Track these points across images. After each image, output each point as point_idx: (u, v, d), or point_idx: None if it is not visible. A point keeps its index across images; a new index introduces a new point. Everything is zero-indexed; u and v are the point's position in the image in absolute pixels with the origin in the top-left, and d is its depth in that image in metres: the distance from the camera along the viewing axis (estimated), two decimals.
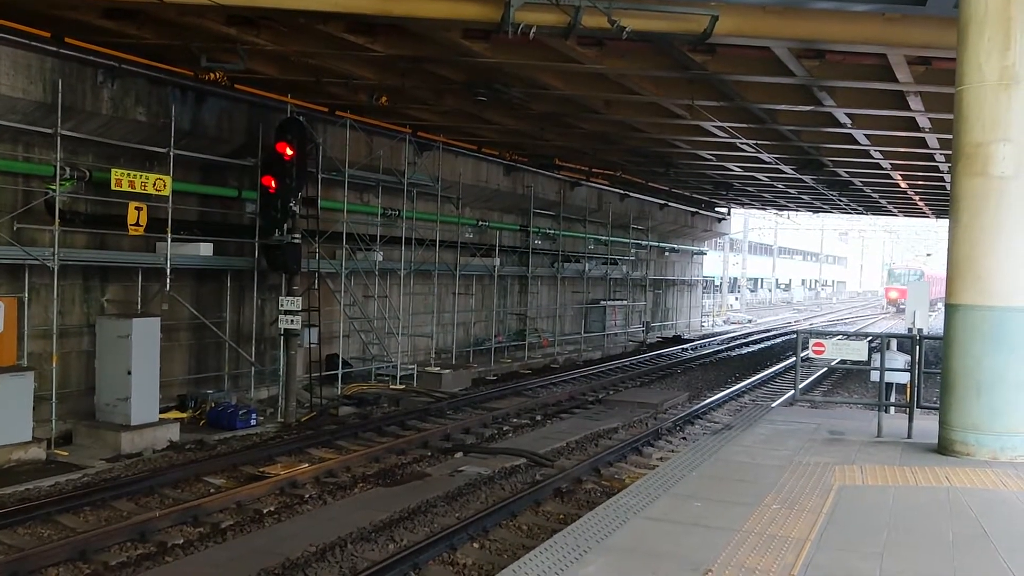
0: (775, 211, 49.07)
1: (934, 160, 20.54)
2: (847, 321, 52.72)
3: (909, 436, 9.86)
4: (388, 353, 18.74)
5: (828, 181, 26.51)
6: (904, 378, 11.59)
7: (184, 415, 13.72)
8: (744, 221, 60.91)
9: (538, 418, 15.63)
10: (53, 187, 11.81)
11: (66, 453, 11.63)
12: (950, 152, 9.01)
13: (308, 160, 14.92)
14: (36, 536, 8.65)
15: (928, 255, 77.65)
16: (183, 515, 9.10)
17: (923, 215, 39.69)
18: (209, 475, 10.94)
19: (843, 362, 19.89)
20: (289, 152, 14.07)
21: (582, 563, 5.43)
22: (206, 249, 14.23)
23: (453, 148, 20.43)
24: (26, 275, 11.87)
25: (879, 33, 10.59)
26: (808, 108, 15.35)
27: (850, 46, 11.74)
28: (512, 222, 24.49)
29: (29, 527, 8.83)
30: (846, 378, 22.49)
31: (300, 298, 14.89)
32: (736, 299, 62.95)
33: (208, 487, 10.55)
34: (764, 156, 21.73)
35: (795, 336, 11.42)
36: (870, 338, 11.72)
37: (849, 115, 16.20)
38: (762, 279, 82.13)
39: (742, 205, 41.56)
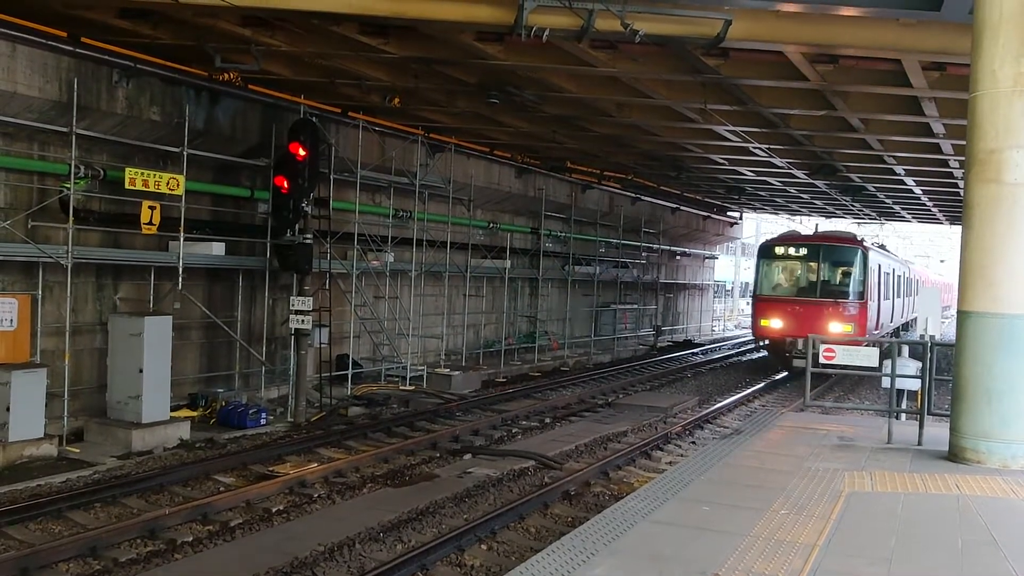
0: (787, 216, 48.91)
1: (948, 166, 20.45)
2: None
3: (919, 443, 9.82)
4: (398, 354, 18.77)
5: (841, 186, 26.44)
6: (915, 384, 11.54)
7: (195, 413, 13.77)
8: (756, 225, 60.74)
9: (547, 421, 15.62)
10: (68, 185, 11.89)
11: (77, 450, 11.70)
12: (964, 158, 8.98)
13: (320, 161, 14.97)
14: (47, 532, 8.71)
15: (942, 262, 75.83)
16: (193, 513, 9.13)
17: (937, 221, 39.52)
18: (219, 473, 10.99)
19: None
20: (302, 152, 14.13)
21: (589, 566, 5.43)
22: (218, 248, 14.30)
23: (465, 150, 20.45)
24: (40, 273, 11.94)
25: (893, 38, 10.56)
26: (821, 112, 15.32)
27: (864, 51, 11.71)
28: (523, 224, 24.51)
29: (40, 523, 8.88)
30: (857, 384, 22.38)
31: (311, 298, 14.93)
32: (747, 303, 62.77)
33: (218, 485, 10.59)
34: (777, 160, 21.69)
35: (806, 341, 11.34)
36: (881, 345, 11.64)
37: (863, 120, 16.16)
38: None
39: (754, 209, 41.47)
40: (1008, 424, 8.44)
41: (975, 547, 6.09)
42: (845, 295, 22.38)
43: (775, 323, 22.40)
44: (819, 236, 24.17)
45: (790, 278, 23.66)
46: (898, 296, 29.39)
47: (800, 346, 20.92)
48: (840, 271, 22.94)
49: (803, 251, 23.25)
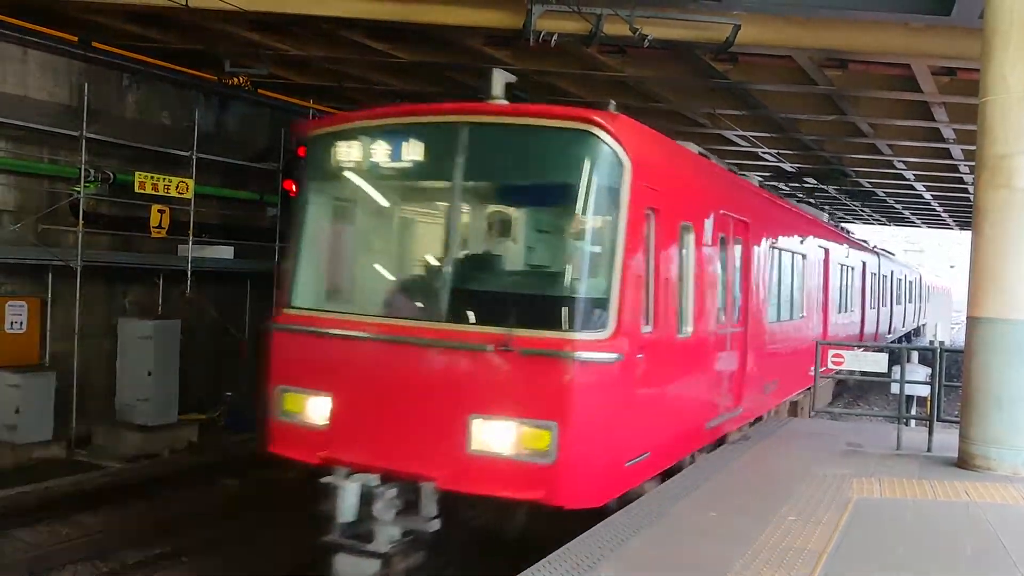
0: None
1: (958, 171, 20.36)
2: None
3: (928, 449, 9.75)
4: None
5: (851, 192, 26.34)
6: (924, 391, 11.48)
7: (203, 417, 13.78)
8: None
9: None
10: (77, 189, 11.93)
11: (86, 452, 11.72)
12: (974, 163, 8.93)
13: None
14: (55, 534, 8.72)
15: (951, 267, 75.28)
16: (199, 515, 9.15)
17: (947, 227, 39.34)
18: (227, 477, 10.99)
19: (864, 373, 19.54)
20: None
21: (594, 571, 5.41)
22: (227, 252, 14.32)
23: None
24: (49, 276, 11.97)
25: (903, 43, 10.53)
26: (831, 117, 15.27)
27: (874, 56, 11.68)
28: None
29: (48, 525, 8.91)
30: (866, 390, 22.26)
31: None
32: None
33: (226, 488, 10.59)
34: (786, 166, 21.62)
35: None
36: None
37: (872, 125, 16.11)
38: None
39: None
40: (1018, 430, 8.37)
41: (985, 555, 6.04)
42: (545, 314, 6.17)
43: (317, 414, 6.31)
44: (462, 105, 7.15)
45: (377, 254, 7.31)
46: (846, 309, 17.36)
47: (379, 510, 5.88)
48: (537, 225, 7.31)
49: (412, 152, 6.58)
